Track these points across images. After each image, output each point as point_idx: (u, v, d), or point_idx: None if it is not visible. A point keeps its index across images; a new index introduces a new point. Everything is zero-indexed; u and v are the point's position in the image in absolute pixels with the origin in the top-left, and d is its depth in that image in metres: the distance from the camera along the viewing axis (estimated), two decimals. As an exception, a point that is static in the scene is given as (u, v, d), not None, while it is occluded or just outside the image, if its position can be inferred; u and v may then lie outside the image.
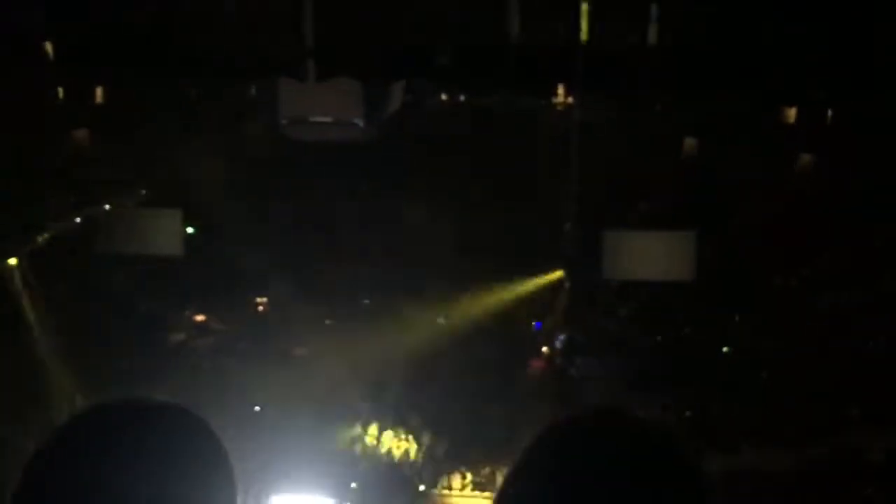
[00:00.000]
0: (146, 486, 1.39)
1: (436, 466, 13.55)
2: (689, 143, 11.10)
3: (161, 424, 1.46)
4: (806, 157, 10.93)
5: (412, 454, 13.54)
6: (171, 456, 1.43)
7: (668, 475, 1.24)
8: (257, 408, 14.00)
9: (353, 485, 12.90)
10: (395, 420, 13.83)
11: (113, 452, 1.41)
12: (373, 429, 13.72)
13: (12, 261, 12.27)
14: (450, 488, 13.26)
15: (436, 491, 13.22)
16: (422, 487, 13.30)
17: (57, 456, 1.42)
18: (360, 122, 9.31)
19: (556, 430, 1.35)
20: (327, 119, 9.38)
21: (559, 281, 13.57)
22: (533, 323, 14.91)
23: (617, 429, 1.30)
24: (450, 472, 13.30)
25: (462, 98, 11.60)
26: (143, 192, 12.65)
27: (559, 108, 11.15)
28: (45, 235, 12.46)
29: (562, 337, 14.77)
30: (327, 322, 14.99)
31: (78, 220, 12.47)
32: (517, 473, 1.34)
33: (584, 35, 8.67)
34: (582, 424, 1.34)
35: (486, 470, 13.23)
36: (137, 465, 1.40)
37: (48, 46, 10.26)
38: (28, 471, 1.42)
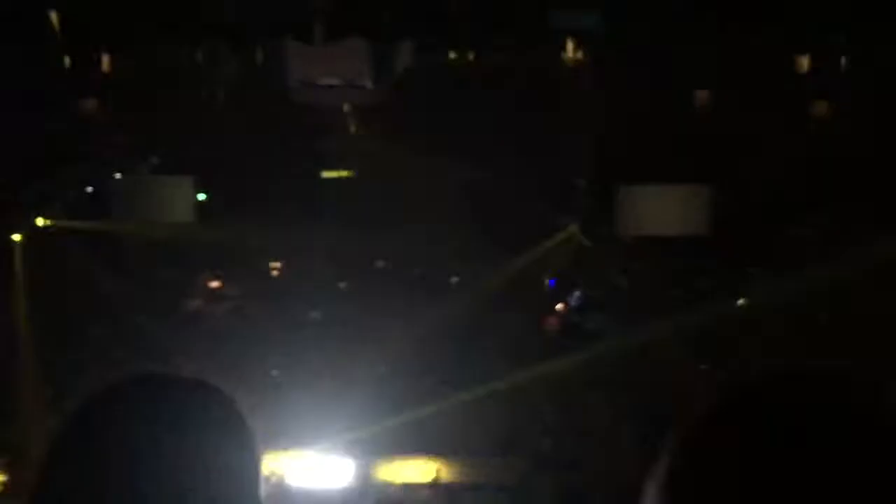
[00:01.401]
0: (169, 458, 1.42)
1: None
2: (702, 95, 11.00)
3: (186, 394, 1.51)
4: (821, 105, 10.83)
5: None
6: (193, 427, 1.47)
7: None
8: (275, 372, 14.09)
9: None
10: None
11: (134, 426, 1.44)
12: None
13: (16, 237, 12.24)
14: None
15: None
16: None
17: (80, 429, 1.46)
18: (369, 84, 9.25)
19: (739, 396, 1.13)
20: (335, 82, 9.33)
21: (573, 238, 13.54)
22: (547, 281, 14.91)
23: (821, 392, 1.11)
24: None
25: (472, 56, 11.49)
26: (155, 159, 12.65)
27: (571, 63, 11.04)
28: (60, 206, 12.48)
29: (576, 293, 14.77)
30: (341, 285, 15.03)
31: (91, 189, 12.48)
32: (689, 444, 1.11)
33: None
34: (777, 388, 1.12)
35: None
36: (159, 437, 1.43)
37: (53, 16, 10.19)
38: (53, 443, 1.45)
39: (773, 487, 1.03)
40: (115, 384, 1.52)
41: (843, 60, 10.11)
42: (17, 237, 12.11)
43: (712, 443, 1.09)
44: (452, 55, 11.16)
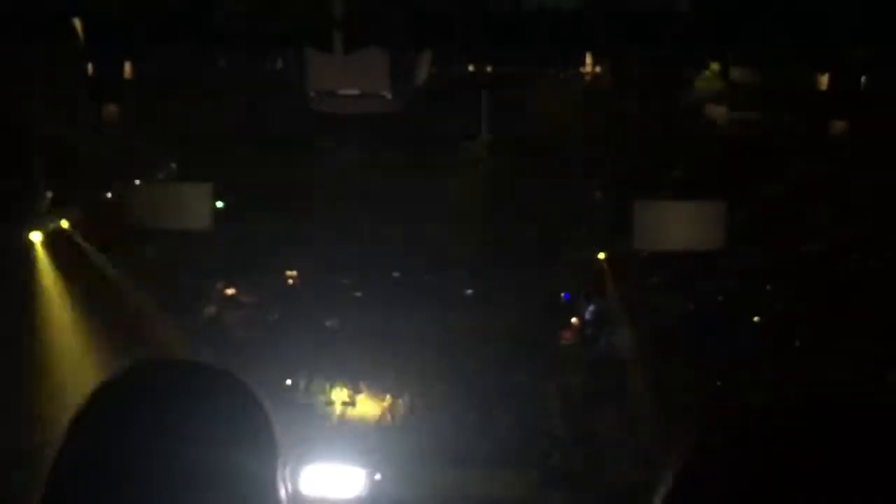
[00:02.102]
0: (187, 445, 1.36)
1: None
2: (718, 110, 10.97)
3: (203, 384, 1.44)
4: (838, 124, 10.77)
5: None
6: (213, 415, 1.40)
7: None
8: (289, 381, 14.12)
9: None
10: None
11: (154, 411, 1.38)
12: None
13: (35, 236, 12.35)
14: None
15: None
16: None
17: (98, 414, 1.41)
18: (388, 94, 9.27)
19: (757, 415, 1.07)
20: (355, 91, 9.35)
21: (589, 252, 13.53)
22: (562, 294, 14.91)
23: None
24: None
25: (489, 68, 11.52)
26: (173, 165, 12.73)
27: (587, 76, 11.05)
28: (78, 210, 12.57)
29: (591, 307, 14.75)
30: (357, 294, 15.07)
31: (109, 194, 12.57)
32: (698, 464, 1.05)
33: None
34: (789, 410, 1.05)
35: None
36: (179, 424, 1.37)
37: (77, 23, 10.26)
38: (70, 428, 1.41)
39: None
40: (140, 365, 1.46)
41: (862, 78, 10.07)
42: (36, 236, 12.24)
43: (710, 469, 1.05)
44: (471, 67, 11.20)
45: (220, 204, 12.83)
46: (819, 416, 1.03)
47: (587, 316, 14.79)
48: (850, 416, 1.02)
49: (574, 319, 14.89)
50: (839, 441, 1.00)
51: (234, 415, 1.42)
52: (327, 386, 13.66)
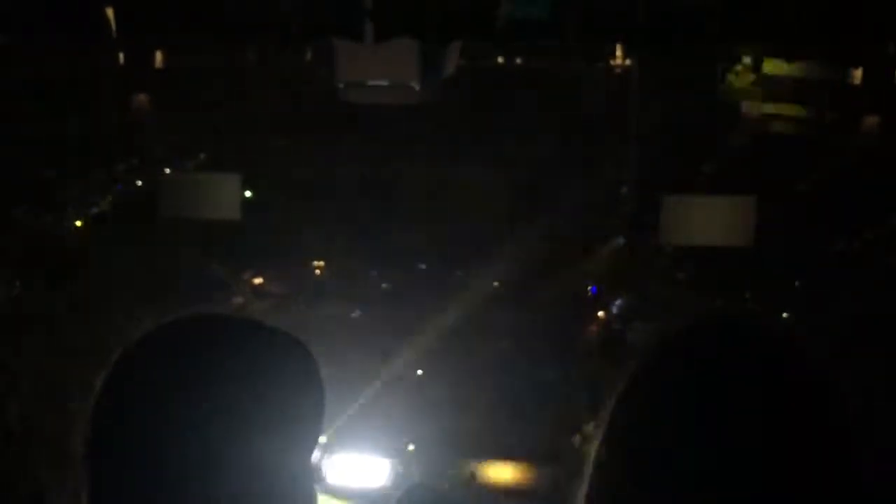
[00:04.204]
0: (233, 396, 1.30)
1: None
2: (750, 104, 10.89)
3: (254, 338, 1.37)
4: (871, 119, 10.66)
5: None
6: (263, 367, 1.34)
7: (801, 382, 1.19)
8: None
9: (411, 447, 12.98)
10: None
11: (202, 360, 1.32)
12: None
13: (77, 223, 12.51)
14: None
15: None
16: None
17: (142, 361, 1.34)
18: (416, 85, 9.26)
19: (678, 335, 1.26)
20: (383, 82, 9.34)
21: (616, 245, 13.47)
22: (589, 288, 14.85)
23: (745, 333, 1.24)
24: None
25: (518, 61, 11.48)
26: (202, 155, 12.79)
27: (617, 70, 10.99)
28: (109, 199, 12.67)
29: (618, 302, 14.69)
30: (384, 286, 15.08)
31: (140, 183, 12.66)
32: (632, 386, 1.25)
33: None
34: (704, 330, 1.26)
35: None
36: (224, 375, 1.31)
37: (109, 13, 10.32)
38: (111, 375, 1.34)
39: (691, 433, 1.16)
40: (192, 315, 1.38)
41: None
42: (76, 223, 12.39)
43: (640, 397, 1.23)
44: (500, 59, 11.17)
45: (248, 194, 12.89)
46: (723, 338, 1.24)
47: (613, 310, 14.74)
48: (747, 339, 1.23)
49: (600, 313, 14.84)
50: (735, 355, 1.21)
51: (283, 367, 1.36)
52: None
